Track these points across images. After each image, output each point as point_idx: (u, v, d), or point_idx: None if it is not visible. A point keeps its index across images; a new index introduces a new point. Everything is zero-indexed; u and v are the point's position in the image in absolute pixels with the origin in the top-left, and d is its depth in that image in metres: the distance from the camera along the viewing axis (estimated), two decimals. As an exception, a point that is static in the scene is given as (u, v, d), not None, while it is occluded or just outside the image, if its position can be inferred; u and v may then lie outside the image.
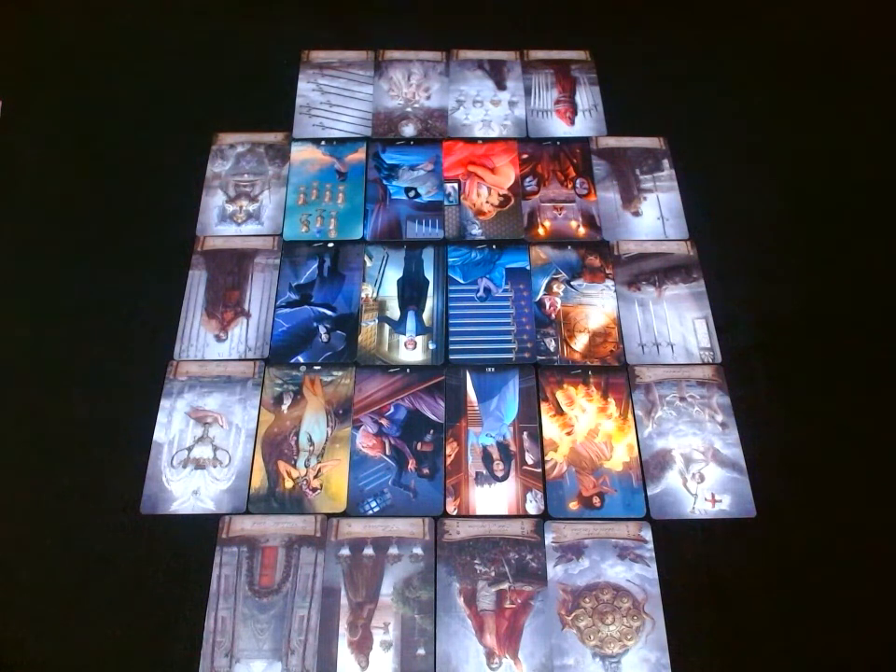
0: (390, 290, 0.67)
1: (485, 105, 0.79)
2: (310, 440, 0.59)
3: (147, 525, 0.56)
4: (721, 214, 0.71)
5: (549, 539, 0.55)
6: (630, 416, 0.61)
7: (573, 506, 0.57)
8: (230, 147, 0.76)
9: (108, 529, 0.56)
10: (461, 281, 0.68)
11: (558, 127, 0.77)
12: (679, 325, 0.65)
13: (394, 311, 0.66)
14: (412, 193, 0.73)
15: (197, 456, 0.59)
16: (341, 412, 0.61)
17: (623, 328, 0.65)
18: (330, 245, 0.69)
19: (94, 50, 0.83)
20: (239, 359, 0.63)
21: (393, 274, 0.68)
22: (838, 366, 0.63)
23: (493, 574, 0.54)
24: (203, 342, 0.64)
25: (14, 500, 0.57)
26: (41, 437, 0.60)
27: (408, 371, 0.63)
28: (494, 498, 0.57)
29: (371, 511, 0.56)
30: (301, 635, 0.52)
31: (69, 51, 0.83)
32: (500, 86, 0.80)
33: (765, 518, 0.56)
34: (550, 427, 0.60)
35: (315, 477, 0.58)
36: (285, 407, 0.61)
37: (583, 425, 0.60)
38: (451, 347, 0.64)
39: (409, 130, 0.77)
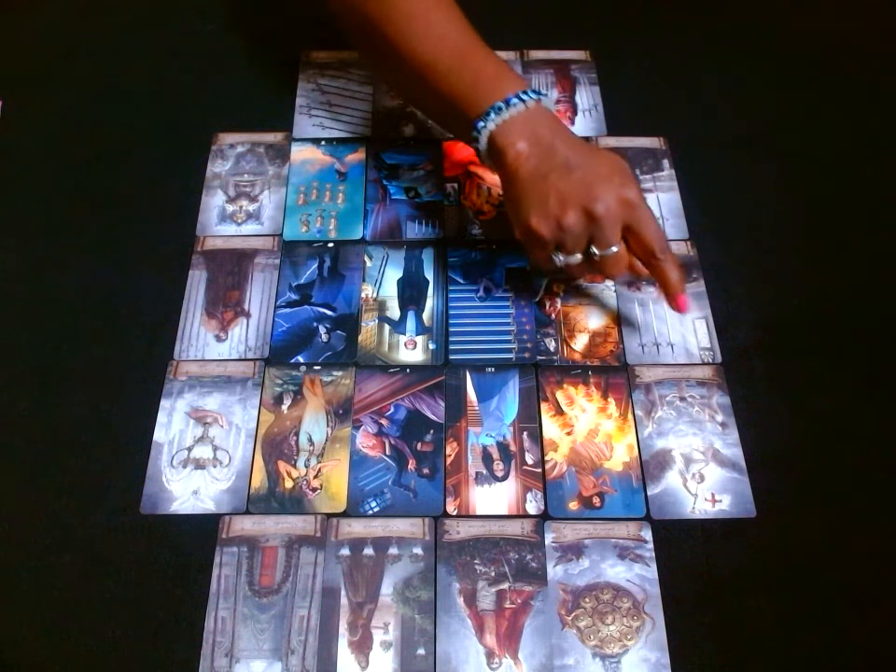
0: (390, 290, 0.67)
1: (485, 105, 0.79)
2: (310, 440, 0.59)
3: (146, 525, 0.56)
4: (721, 214, 0.71)
5: (549, 539, 0.55)
6: (630, 416, 0.61)
7: (573, 506, 0.57)
8: (230, 146, 0.76)
9: (108, 529, 0.56)
10: (461, 281, 0.68)
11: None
12: (679, 325, 0.65)
13: (394, 311, 0.66)
14: (412, 193, 0.73)
15: (197, 456, 0.59)
16: (341, 412, 0.61)
17: (623, 328, 0.65)
18: (330, 244, 0.69)
19: (94, 50, 0.83)
20: (239, 359, 0.63)
21: (393, 274, 0.68)
22: (838, 366, 0.63)
23: (493, 574, 0.54)
24: (203, 342, 0.64)
25: (14, 500, 0.57)
26: (41, 437, 0.60)
27: (408, 370, 0.63)
28: (494, 498, 0.57)
29: (370, 511, 0.56)
30: (301, 635, 0.52)
31: (69, 51, 0.83)
32: (500, 86, 0.80)
33: (765, 518, 0.56)
34: (550, 427, 0.60)
35: (315, 477, 0.58)
36: (285, 407, 0.61)
37: (583, 425, 0.60)
38: (451, 347, 0.64)
39: (409, 130, 0.77)
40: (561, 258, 0.58)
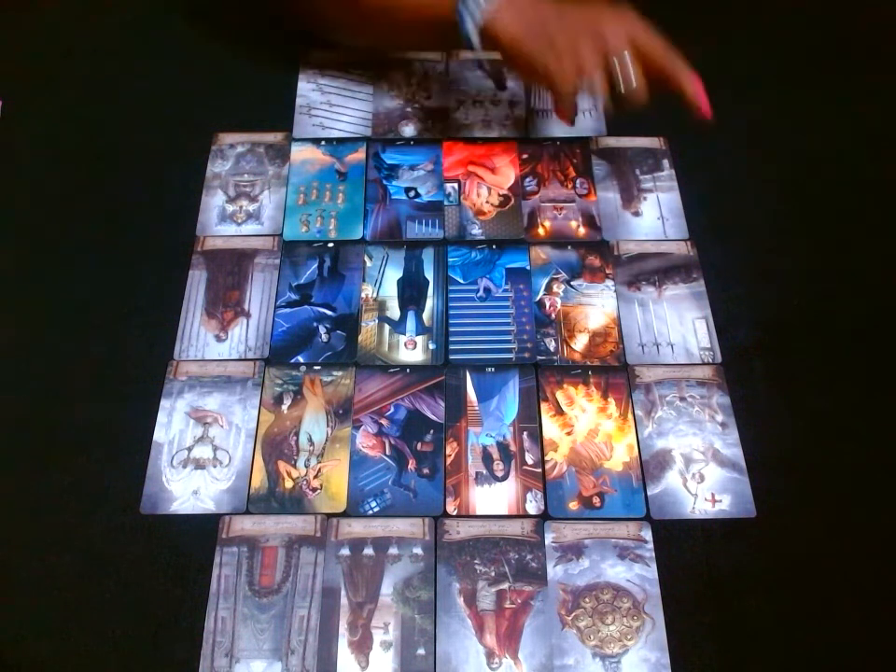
0: (390, 290, 0.67)
1: (485, 105, 0.79)
2: (310, 440, 0.59)
3: (146, 525, 0.56)
4: (721, 214, 0.71)
5: (549, 538, 0.55)
6: (630, 416, 0.61)
7: (573, 506, 0.57)
8: (230, 146, 0.76)
9: (108, 529, 0.56)
10: (461, 281, 0.68)
11: (558, 127, 0.77)
12: (679, 325, 0.65)
13: (394, 311, 0.66)
14: (412, 193, 0.73)
15: (197, 456, 0.59)
16: (341, 412, 0.61)
17: (623, 328, 0.65)
18: (330, 244, 0.69)
19: (94, 50, 0.83)
20: (239, 359, 0.63)
21: (393, 274, 0.68)
22: (838, 366, 0.63)
23: (493, 574, 0.54)
24: (203, 342, 0.64)
25: (14, 500, 0.57)
26: (41, 437, 0.60)
27: (408, 370, 0.63)
28: (494, 498, 0.57)
29: (371, 511, 0.56)
30: (301, 635, 0.52)
31: (69, 51, 0.83)
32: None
33: (765, 518, 0.56)
34: (550, 427, 0.60)
35: (315, 477, 0.58)
36: (285, 407, 0.61)
37: (583, 425, 0.60)
38: (451, 347, 0.64)
39: (409, 130, 0.77)
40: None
